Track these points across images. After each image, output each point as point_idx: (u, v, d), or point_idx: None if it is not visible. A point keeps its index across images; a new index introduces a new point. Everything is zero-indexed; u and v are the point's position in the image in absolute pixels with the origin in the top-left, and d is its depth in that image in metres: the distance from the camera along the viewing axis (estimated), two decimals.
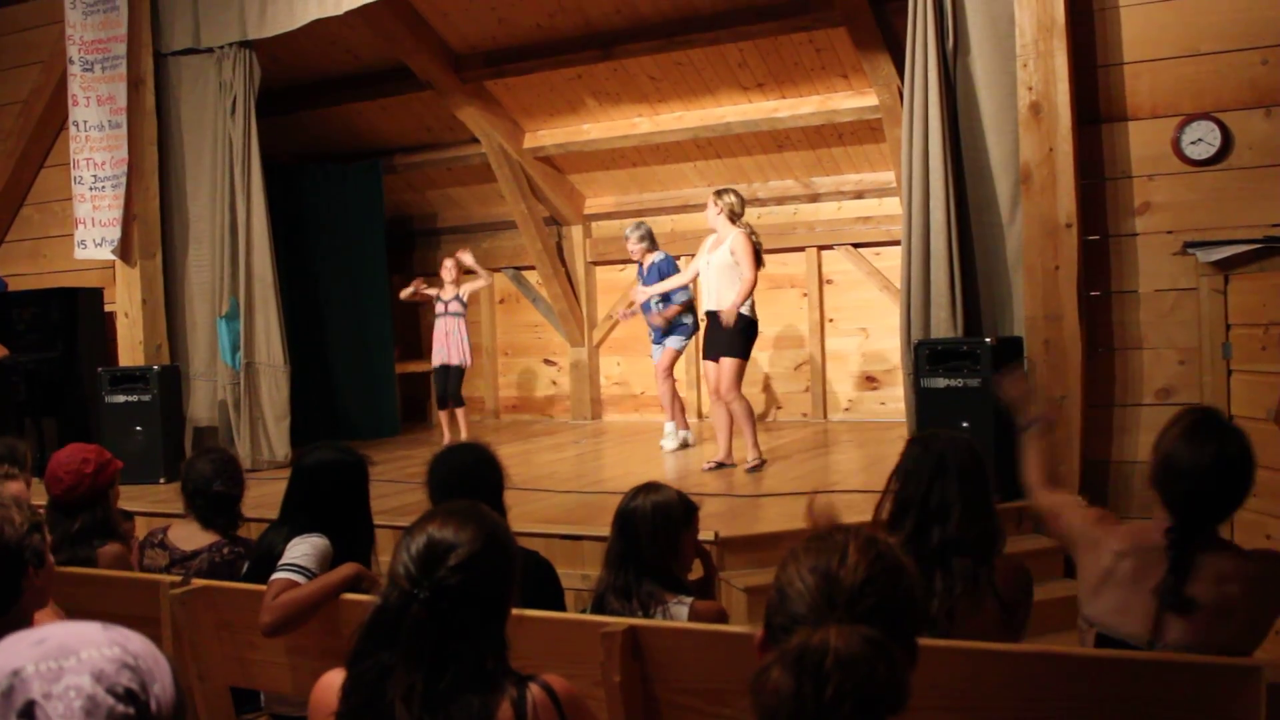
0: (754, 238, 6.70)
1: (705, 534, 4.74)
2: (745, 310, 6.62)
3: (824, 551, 1.49)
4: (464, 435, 8.32)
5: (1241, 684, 2.11)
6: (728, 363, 6.62)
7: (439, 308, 8.45)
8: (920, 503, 2.73)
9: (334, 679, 1.95)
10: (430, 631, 1.83)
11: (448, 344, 8.38)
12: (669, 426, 7.82)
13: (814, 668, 1.33)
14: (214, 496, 3.80)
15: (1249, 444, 2.55)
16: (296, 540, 3.17)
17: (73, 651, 1.12)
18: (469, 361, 8.54)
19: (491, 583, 1.90)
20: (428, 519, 1.95)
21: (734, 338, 6.61)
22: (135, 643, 1.17)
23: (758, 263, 6.64)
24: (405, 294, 8.67)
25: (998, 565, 2.73)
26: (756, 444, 6.70)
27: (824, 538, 1.52)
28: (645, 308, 7.75)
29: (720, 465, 6.78)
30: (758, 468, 6.65)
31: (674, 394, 7.84)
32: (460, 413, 8.43)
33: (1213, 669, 2.20)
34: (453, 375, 8.40)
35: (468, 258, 8.55)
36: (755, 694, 1.37)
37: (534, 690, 1.87)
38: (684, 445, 7.79)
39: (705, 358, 6.88)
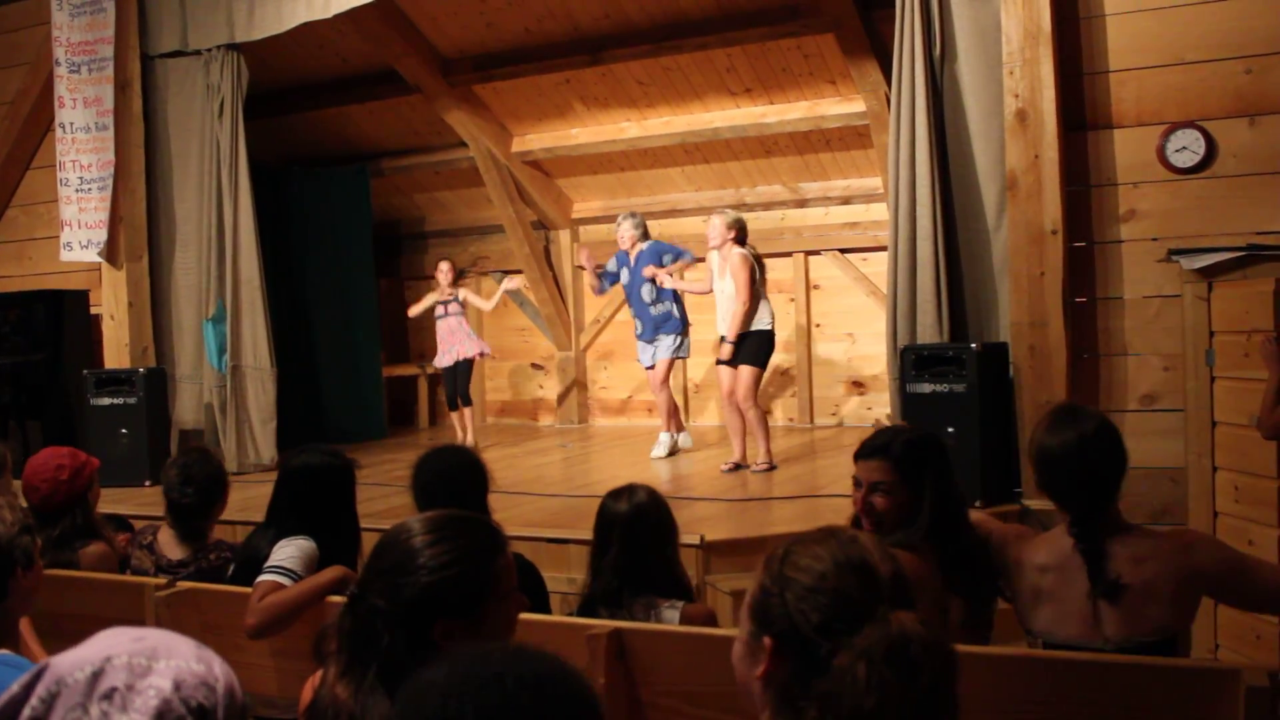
0: (752, 253, 6.91)
1: (692, 537, 4.76)
2: (766, 324, 6.86)
3: (840, 546, 1.42)
4: (470, 436, 8.31)
5: (1221, 687, 2.12)
6: (746, 371, 6.81)
7: (439, 310, 8.47)
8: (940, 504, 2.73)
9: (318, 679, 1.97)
10: (366, 634, 1.85)
11: (453, 342, 8.38)
12: (664, 436, 7.72)
13: (903, 657, 1.30)
14: (179, 507, 3.74)
15: (1108, 420, 2.66)
16: (283, 543, 3.17)
17: (164, 656, 1.18)
18: (478, 350, 8.52)
19: (443, 596, 1.87)
20: (403, 524, 1.97)
21: (753, 347, 6.83)
22: (219, 668, 1.22)
23: (755, 278, 6.82)
24: (414, 311, 8.69)
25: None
26: (769, 450, 6.88)
27: (818, 536, 1.45)
28: (634, 299, 7.62)
29: (737, 467, 6.91)
30: (766, 470, 6.78)
31: (671, 402, 7.76)
32: (467, 412, 8.42)
33: (1192, 673, 2.22)
34: (460, 373, 8.40)
35: (513, 284, 8.73)
36: (830, 698, 1.31)
37: None
38: (673, 452, 7.69)
39: (719, 363, 6.99)
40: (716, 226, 6.94)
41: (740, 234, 6.94)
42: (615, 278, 7.76)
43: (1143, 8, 5.45)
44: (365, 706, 1.80)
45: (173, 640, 1.22)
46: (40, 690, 1.14)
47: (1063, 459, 2.58)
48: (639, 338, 7.69)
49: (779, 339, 9.11)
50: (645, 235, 7.71)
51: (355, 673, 1.85)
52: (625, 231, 7.65)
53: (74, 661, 1.16)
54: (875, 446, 2.77)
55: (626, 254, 7.66)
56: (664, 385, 7.59)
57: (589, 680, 1.20)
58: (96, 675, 1.14)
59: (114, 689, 1.13)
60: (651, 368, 7.64)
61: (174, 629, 3.12)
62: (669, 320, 7.52)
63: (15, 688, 1.15)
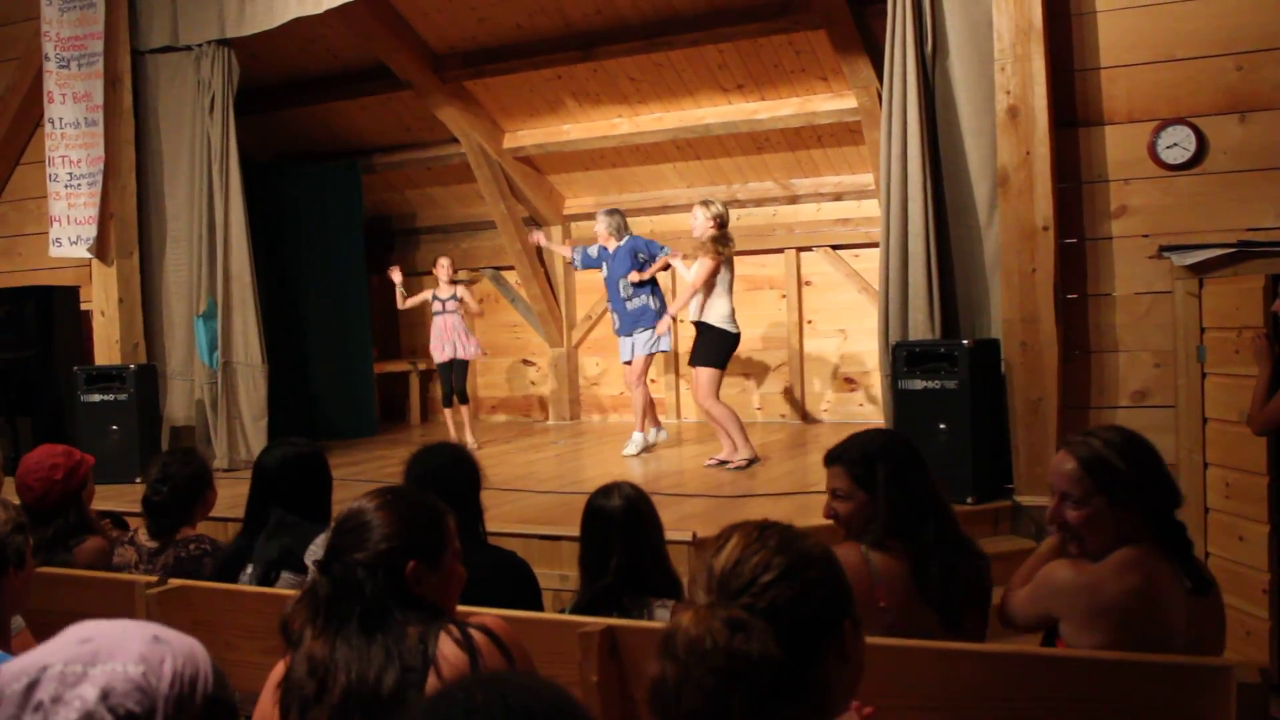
0: (722, 252, 6.75)
1: (683, 534, 4.77)
2: (721, 322, 6.73)
3: (711, 548, 1.51)
4: (469, 433, 8.29)
5: (1212, 684, 2.13)
6: (703, 372, 6.78)
7: (436, 305, 8.45)
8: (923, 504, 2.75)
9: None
10: (347, 586, 1.99)
11: (448, 339, 8.36)
12: (636, 435, 7.60)
13: (671, 653, 1.36)
14: (151, 504, 3.72)
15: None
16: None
17: (104, 659, 1.15)
18: (476, 352, 8.53)
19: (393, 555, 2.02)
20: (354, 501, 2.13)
21: (709, 347, 6.77)
22: (170, 664, 1.18)
23: (716, 271, 6.72)
24: (403, 304, 8.66)
25: None
26: (747, 443, 6.83)
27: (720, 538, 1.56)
28: (612, 294, 7.56)
29: (723, 463, 6.88)
30: (741, 467, 6.74)
31: (646, 399, 7.64)
32: (465, 410, 8.39)
33: (1184, 669, 2.22)
34: (457, 370, 8.39)
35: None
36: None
37: (474, 633, 1.99)
38: (645, 450, 7.55)
39: (689, 364, 6.98)
40: (699, 217, 6.85)
41: (721, 224, 6.82)
42: (594, 263, 7.74)
43: (1134, 4, 5.46)
44: (339, 649, 1.93)
45: (121, 639, 1.18)
46: None
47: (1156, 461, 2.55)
48: (617, 333, 7.66)
49: (763, 335, 9.18)
50: (622, 232, 7.63)
51: (333, 627, 1.96)
52: (600, 228, 7.64)
53: (15, 671, 1.15)
54: (832, 455, 2.83)
55: (605, 248, 7.63)
56: (639, 382, 7.48)
57: (584, 708, 1.18)
58: (31, 686, 1.13)
59: (41, 702, 1.12)
60: (629, 363, 7.57)
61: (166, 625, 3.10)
62: (645, 314, 7.45)
63: None
